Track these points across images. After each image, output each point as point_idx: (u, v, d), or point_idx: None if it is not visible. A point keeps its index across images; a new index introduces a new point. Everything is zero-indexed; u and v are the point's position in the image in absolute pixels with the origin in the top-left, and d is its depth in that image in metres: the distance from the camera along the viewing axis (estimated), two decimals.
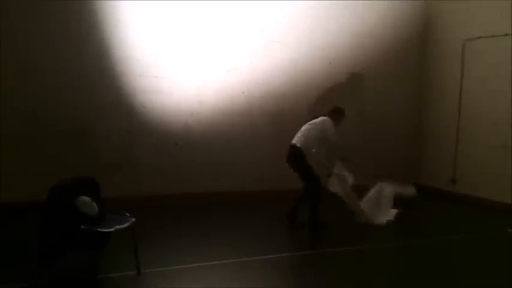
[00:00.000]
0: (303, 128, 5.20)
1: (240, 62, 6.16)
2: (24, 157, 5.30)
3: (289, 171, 5.17)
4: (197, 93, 6.00)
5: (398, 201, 5.70)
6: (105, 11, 5.52)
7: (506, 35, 6.04)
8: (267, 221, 5.39)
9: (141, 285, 3.61)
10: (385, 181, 5.53)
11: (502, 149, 6.11)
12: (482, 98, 6.42)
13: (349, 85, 6.70)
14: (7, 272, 3.65)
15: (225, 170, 6.21)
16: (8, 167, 5.16)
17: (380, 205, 5.49)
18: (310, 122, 5.22)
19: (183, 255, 4.20)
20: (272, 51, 6.31)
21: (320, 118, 5.22)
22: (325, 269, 4.14)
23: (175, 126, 5.95)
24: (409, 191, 5.46)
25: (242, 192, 6.14)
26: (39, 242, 3.45)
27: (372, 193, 5.54)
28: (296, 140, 5.11)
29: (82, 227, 3.36)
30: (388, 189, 5.49)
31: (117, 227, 3.49)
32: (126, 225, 3.57)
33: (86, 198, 3.50)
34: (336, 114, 5.26)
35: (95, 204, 3.52)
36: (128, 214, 3.71)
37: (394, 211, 5.44)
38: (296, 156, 5.07)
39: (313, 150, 5.08)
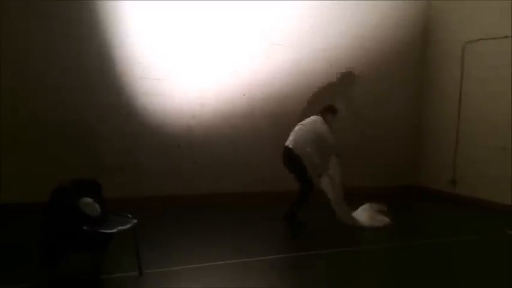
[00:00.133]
0: (295, 128, 5.25)
1: (241, 64, 6.16)
2: (24, 158, 5.28)
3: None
4: (199, 95, 5.99)
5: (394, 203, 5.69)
6: (106, 11, 5.51)
7: (506, 37, 6.06)
8: (268, 222, 5.39)
9: (143, 286, 3.61)
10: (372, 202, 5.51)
11: (502, 150, 6.13)
12: (482, 99, 6.44)
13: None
14: (8, 273, 3.63)
15: (226, 172, 6.20)
16: (9, 167, 5.14)
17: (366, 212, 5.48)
18: (302, 122, 5.27)
19: (185, 256, 4.20)
20: (273, 53, 6.31)
21: (311, 118, 5.27)
22: (324, 270, 4.14)
23: (177, 129, 5.94)
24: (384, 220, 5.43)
25: (243, 194, 6.14)
26: (41, 243, 3.44)
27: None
28: (288, 141, 5.18)
29: (84, 228, 3.35)
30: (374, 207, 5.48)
31: (119, 228, 3.49)
32: (127, 226, 3.57)
33: (88, 200, 3.49)
34: (328, 112, 5.29)
35: (97, 205, 3.52)
36: (129, 215, 3.71)
37: (385, 219, 5.41)
38: (290, 157, 5.14)
39: (308, 149, 5.08)
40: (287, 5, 6.33)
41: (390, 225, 5.32)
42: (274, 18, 6.28)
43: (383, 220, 5.37)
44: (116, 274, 3.68)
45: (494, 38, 6.20)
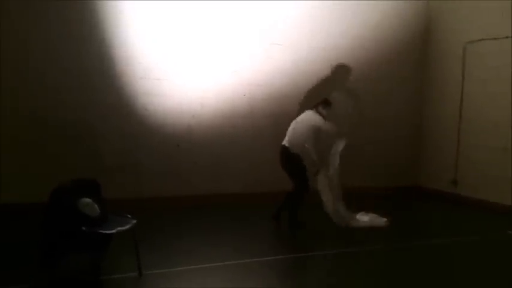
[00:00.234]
0: (290, 127, 5.24)
1: (241, 64, 6.15)
2: (24, 158, 5.28)
3: None
4: (199, 95, 5.98)
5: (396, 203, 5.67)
6: (107, 11, 5.50)
7: (507, 37, 6.05)
8: (268, 223, 5.37)
9: (143, 287, 3.60)
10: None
11: (503, 151, 6.11)
12: (483, 100, 6.42)
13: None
14: (7, 273, 3.63)
15: (226, 172, 6.19)
16: (9, 167, 5.13)
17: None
18: (296, 120, 5.26)
19: (184, 256, 4.19)
20: (273, 53, 6.30)
21: (304, 113, 5.26)
22: (324, 271, 4.14)
23: (177, 129, 5.93)
24: (380, 221, 5.40)
25: (243, 194, 6.13)
26: (41, 243, 3.44)
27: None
28: (285, 140, 5.19)
29: (83, 228, 3.35)
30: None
31: (119, 228, 3.48)
32: (127, 226, 3.56)
33: (88, 200, 3.49)
34: (320, 105, 5.28)
35: (96, 205, 3.51)
36: (129, 216, 3.70)
37: (381, 219, 5.39)
38: (287, 156, 5.13)
39: (306, 146, 5.07)
40: (287, 4, 6.32)
41: (387, 226, 5.28)
42: (274, 18, 6.27)
43: (380, 221, 5.34)
44: (116, 275, 3.68)
45: (495, 39, 6.18)
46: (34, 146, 5.32)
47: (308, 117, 5.19)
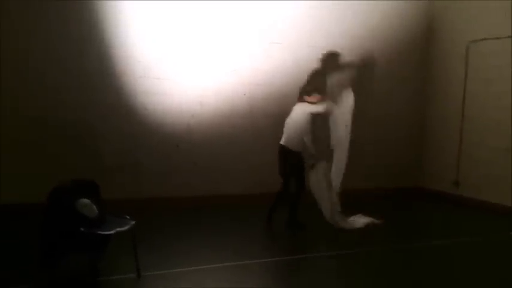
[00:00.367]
0: (286, 126, 5.20)
1: (240, 63, 6.13)
2: (24, 158, 5.27)
3: None
4: (198, 94, 5.97)
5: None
6: (106, 11, 5.49)
7: (509, 37, 6.01)
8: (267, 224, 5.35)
9: None
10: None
11: (505, 151, 6.07)
12: (486, 99, 6.38)
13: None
14: (7, 274, 3.63)
15: (226, 173, 6.18)
16: (9, 167, 5.13)
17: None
18: (290, 117, 5.20)
19: (183, 258, 4.18)
20: (273, 53, 6.28)
21: (294, 108, 5.21)
22: (324, 272, 4.12)
23: (176, 128, 5.92)
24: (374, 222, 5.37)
25: (243, 195, 6.11)
26: (39, 244, 3.43)
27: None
28: (283, 140, 5.16)
29: (82, 229, 3.34)
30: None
31: (118, 229, 3.47)
32: (126, 227, 3.55)
33: (86, 201, 3.48)
34: (307, 94, 5.24)
35: (94, 206, 3.50)
36: (128, 217, 3.69)
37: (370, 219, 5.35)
38: (286, 155, 5.10)
39: (305, 139, 5.05)
40: (287, 4, 6.29)
41: (380, 224, 5.25)
42: (274, 18, 6.25)
43: (373, 220, 5.30)
44: (114, 276, 3.67)
45: (498, 38, 6.15)
46: (34, 146, 5.32)
47: (299, 111, 5.16)
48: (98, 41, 5.49)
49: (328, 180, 5.21)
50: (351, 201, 5.99)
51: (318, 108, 5.10)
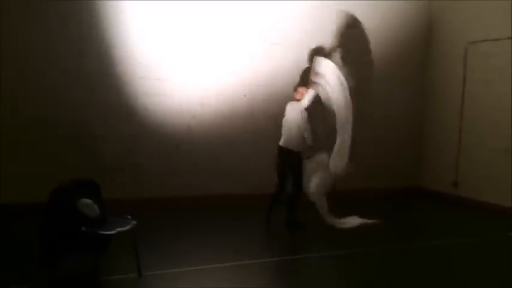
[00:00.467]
0: (284, 127, 5.19)
1: (241, 64, 6.14)
2: (24, 158, 5.26)
3: None
4: (199, 95, 5.97)
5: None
6: (107, 11, 5.49)
7: (508, 38, 6.03)
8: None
9: None
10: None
11: (504, 152, 6.09)
12: (485, 101, 6.40)
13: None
14: (7, 274, 3.62)
15: (226, 173, 6.18)
16: (9, 167, 5.12)
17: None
18: (285, 118, 5.20)
19: (184, 258, 4.18)
20: (273, 53, 6.28)
21: (287, 108, 5.21)
22: (324, 272, 4.13)
23: (177, 129, 5.92)
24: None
25: (243, 196, 6.11)
26: (40, 244, 3.43)
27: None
28: (283, 142, 5.14)
29: (83, 229, 3.34)
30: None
31: (119, 229, 3.48)
32: (127, 227, 3.56)
33: (87, 201, 3.48)
34: (296, 92, 5.26)
35: (96, 206, 3.50)
36: (129, 216, 3.70)
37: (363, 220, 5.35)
38: (286, 156, 5.10)
39: (306, 136, 5.07)
40: (287, 4, 6.30)
41: (374, 223, 5.25)
42: (275, 18, 6.25)
43: (366, 221, 5.30)
44: (115, 276, 3.67)
45: (497, 39, 6.17)
46: (34, 146, 5.31)
47: (290, 109, 5.18)
48: (98, 41, 5.49)
49: (325, 175, 5.19)
50: (351, 201, 6.03)
51: (303, 103, 5.11)
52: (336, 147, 5.13)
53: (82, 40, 5.42)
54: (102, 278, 3.60)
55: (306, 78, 5.41)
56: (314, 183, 5.19)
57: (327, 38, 6.51)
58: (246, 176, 6.23)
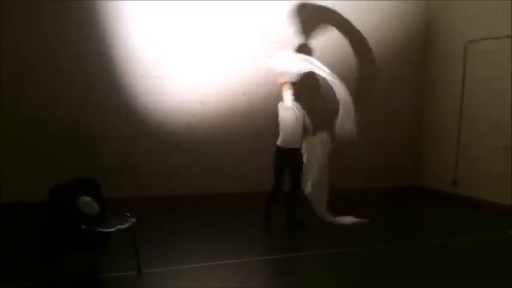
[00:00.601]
0: (280, 127, 5.18)
1: (241, 63, 6.15)
2: (24, 158, 5.28)
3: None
4: (199, 94, 5.98)
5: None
6: (107, 11, 5.51)
7: (508, 36, 6.03)
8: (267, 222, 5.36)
9: (142, 286, 3.60)
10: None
11: (503, 150, 6.09)
12: (484, 99, 6.40)
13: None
14: (7, 272, 3.64)
15: (226, 171, 6.19)
16: (9, 167, 5.14)
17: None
18: (280, 118, 5.18)
19: (184, 255, 4.19)
20: (274, 52, 6.27)
21: (279, 110, 5.21)
22: (323, 270, 4.14)
23: (177, 128, 5.93)
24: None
25: (243, 194, 6.12)
26: (40, 242, 3.44)
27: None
28: (284, 142, 5.13)
29: (83, 226, 3.35)
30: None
31: (118, 227, 3.49)
32: (126, 225, 3.57)
33: (87, 198, 3.49)
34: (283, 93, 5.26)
35: (95, 204, 3.51)
36: (128, 214, 3.71)
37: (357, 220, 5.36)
38: (291, 154, 5.12)
39: (305, 120, 5.16)
40: (287, 4, 6.31)
41: (366, 223, 5.27)
42: (275, 18, 6.26)
43: (359, 221, 5.32)
44: (115, 273, 3.68)
45: (496, 38, 6.17)
46: (34, 146, 5.33)
47: (281, 108, 5.20)
48: (99, 41, 5.51)
49: (322, 173, 5.19)
50: (351, 200, 6.04)
51: (287, 103, 5.15)
52: (340, 113, 5.13)
53: (82, 40, 5.44)
54: (102, 276, 3.61)
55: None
56: (312, 182, 5.20)
57: (326, 37, 6.55)
58: (246, 174, 6.24)
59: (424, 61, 7.31)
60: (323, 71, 5.18)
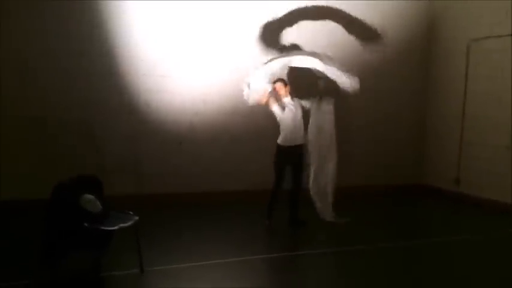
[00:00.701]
0: (282, 125, 5.18)
1: (243, 62, 6.13)
2: (24, 158, 5.31)
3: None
4: (202, 92, 5.99)
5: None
6: (109, 10, 5.51)
7: (510, 35, 6.00)
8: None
9: (144, 284, 3.63)
10: None
11: (505, 149, 6.08)
12: (487, 98, 6.38)
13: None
14: (9, 270, 3.66)
15: (228, 170, 6.20)
16: (9, 168, 5.17)
17: None
18: (281, 118, 5.17)
19: (186, 254, 4.21)
20: (273, 53, 6.27)
21: (275, 113, 5.22)
22: (323, 269, 4.15)
23: (179, 126, 5.94)
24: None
25: (245, 192, 6.13)
26: (42, 240, 3.46)
27: None
28: (288, 141, 5.13)
29: (85, 224, 3.36)
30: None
31: (121, 225, 3.51)
32: (129, 223, 3.58)
33: (90, 196, 3.51)
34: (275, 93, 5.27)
35: (98, 202, 3.53)
36: (131, 212, 3.72)
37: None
38: (288, 153, 5.12)
39: (303, 103, 5.23)
40: (289, 4, 6.29)
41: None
42: (276, 17, 6.25)
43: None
44: (117, 272, 3.70)
45: (499, 36, 6.14)
46: (34, 146, 5.35)
47: (275, 109, 5.22)
48: (101, 40, 5.52)
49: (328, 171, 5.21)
50: (352, 199, 6.05)
51: (273, 107, 5.19)
52: (334, 76, 5.11)
53: (83, 40, 5.46)
54: (104, 274, 3.63)
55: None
56: (315, 179, 5.21)
57: (327, 36, 6.53)
58: (248, 173, 6.25)
59: (427, 60, 7.29)
60: (306, 62, 5.10)
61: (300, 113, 5.16)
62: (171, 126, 5.91)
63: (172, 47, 5.83)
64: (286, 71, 5.38)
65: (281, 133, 5.19)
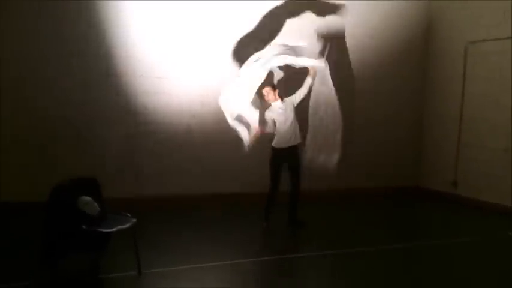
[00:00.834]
0: (277, 131, 5.16)
1: (241, 63, 6.13)
2: (24, 158, 5.28)
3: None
4: (199, 94, 5.98)
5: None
6: (107, 11, 5.50)
7: (508, 38, 6.03)
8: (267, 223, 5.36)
9: (142, 286, 3.61)
10: None
11: (503, 151, 6.09)
12: (485, 100, 6.40)
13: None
14: (8, 271, 3.64)
15: (226, 172, 6.18)
16: (9, 167, 5.14)
17: None
18: (279, 122, 5.14)
19: (184, 256, 4.19)
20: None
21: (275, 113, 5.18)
22: (322, 271, 4.14)
23: (177, 128, 5.93)
24: None
25: (243, 194, 6.11)
26: (42, 242, 3.44)
27: None
28: (277, 142, 5.13)
29: (83, 227, 3.35)
30: None
31: (119, 227, 3.49)
32: (127, 225, 3.57)
33: (87, 198, 3.49)
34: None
35: (96, 204, 3.51)
36: (128, 214, 3.71)
37: None
38: (286, 155, 5.12)
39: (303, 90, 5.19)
40: (288, 5, 6.30)
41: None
42: (275, 18, 6.25)
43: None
44: (115, 273, 3.68)
45: (497, 39, 6.17)
46: (34, 146, 5.32)
47: (275, 110, 5.15)
48: (98, 41, 5.50)
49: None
50: (351, 200, 6.05)
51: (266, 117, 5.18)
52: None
53: (81, 40, 5.44)
54: (102, 276, 3.61)
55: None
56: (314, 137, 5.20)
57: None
58: (246, 175, 6.23)
59: (424, 61, 7.31)
60: (289, 59, 5.07)
61: (291, 115, 5.11)
62: (169, 128, 5.89)
63: (170, 48, 5.82)
64: (269, 73, 5.25)
65: (275, 135, 5.18)
